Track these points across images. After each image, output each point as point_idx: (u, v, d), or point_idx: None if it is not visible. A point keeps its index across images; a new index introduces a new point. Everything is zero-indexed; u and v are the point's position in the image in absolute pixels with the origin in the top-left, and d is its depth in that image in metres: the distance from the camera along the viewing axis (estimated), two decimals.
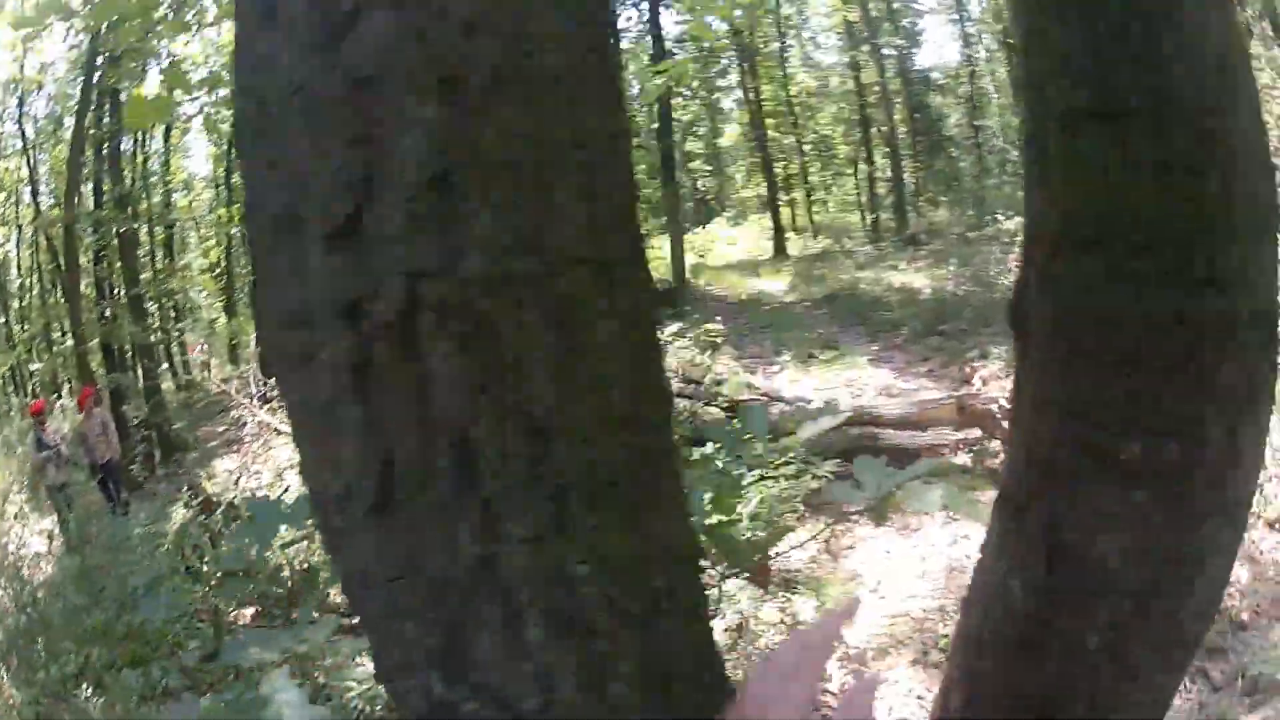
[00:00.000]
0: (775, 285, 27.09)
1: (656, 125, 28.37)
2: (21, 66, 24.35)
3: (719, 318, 19.16)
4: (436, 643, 1.36)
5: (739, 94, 39.07)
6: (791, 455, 9.45)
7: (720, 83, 41.44)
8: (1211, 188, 1.64)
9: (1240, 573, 7.11)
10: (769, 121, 38.29)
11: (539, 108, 1.32)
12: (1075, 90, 1.77)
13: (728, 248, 38.64)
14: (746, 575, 4.26)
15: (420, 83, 1.27)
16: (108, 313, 25.17)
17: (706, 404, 12.33)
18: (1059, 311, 1.82)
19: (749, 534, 6.99)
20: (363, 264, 1.29)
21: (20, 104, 27.88)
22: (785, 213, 39.58)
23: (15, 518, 15.77)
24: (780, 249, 33.69)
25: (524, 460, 1.32)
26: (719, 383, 14.34)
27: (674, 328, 18.06)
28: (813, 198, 42.72)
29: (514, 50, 1.32)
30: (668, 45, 26.48)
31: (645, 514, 1.40)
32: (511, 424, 1.31)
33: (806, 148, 42.34)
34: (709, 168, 52.08)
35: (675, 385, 13.18)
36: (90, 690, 6.26)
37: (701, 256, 33.20)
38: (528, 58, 1.32)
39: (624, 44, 27.88)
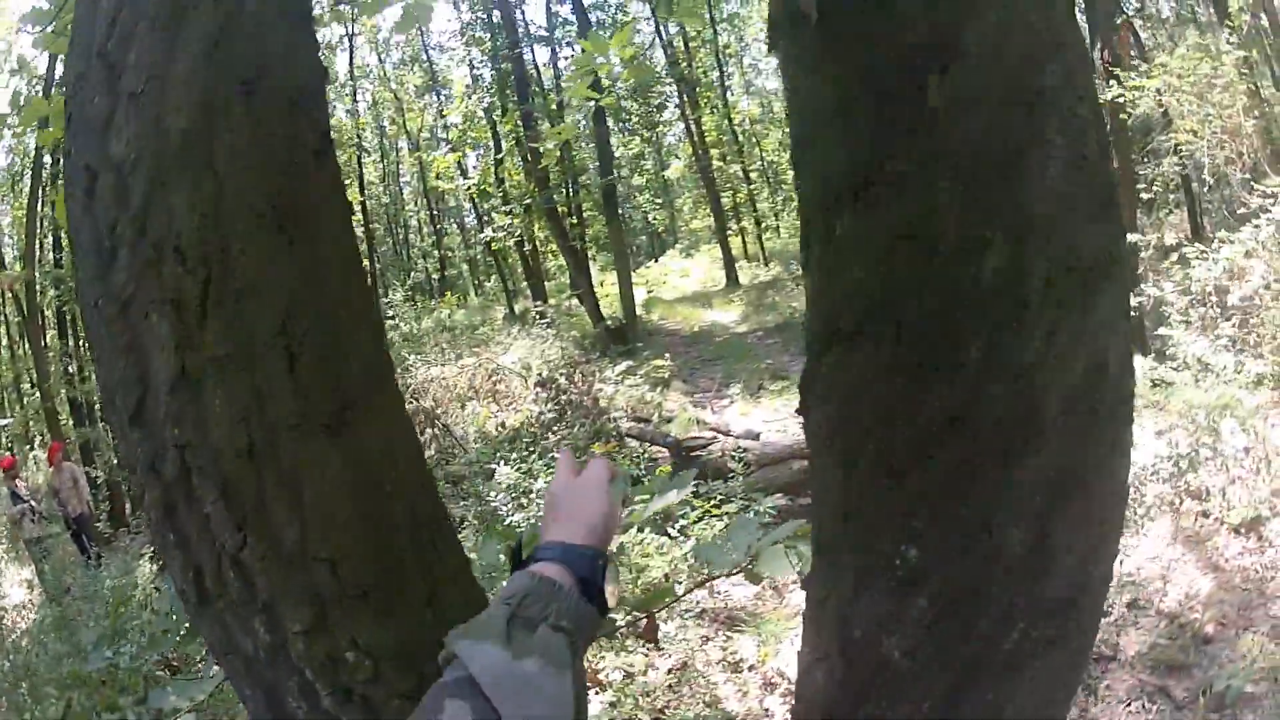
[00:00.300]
0: (727, 316, 27.24)
1: (597, 164, 28.47)
2: None
3: (667, 354, 19.21)
4: (264, 701, 1.91)
5: (682, 126, 39.07)
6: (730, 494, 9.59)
7: (665, 115, 41.44)
8: (994, 263, 1.61)
9: (1202, 583, 7.08)
10: (713, 151, 38.39)
11: (247, 315, 1.78)
12: (832, 160, 1.77)
13: (680, 280, 38.70)
14: (636, 633, 4.28)
15: (155, 301, 1.77)
16: (71, 368, 25.00)
17: (653, 443, 12.29)
18: (833, 410, 1.85)
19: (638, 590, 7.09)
20: (151, 436, 1.82)
21: None
22: (736, 242, 39.78)
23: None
24: (732, 278, 33.65)
25: (282, 577, 1.82)
26: (668, 420, 14.37)
27: (623, 366, 18.05)
28: (763, 225, 42.77)
29: (220, 273, 1.77)
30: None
31: (401, 614, 1.90)
32: (267, 551, 1.80)
33: (753, 175, 42.47)
34: (658, 201, 52.21)
35: (624, 424, 13.22)
36: None
37: (652, 290, 33.23)
38: (229, 279, 1.77)
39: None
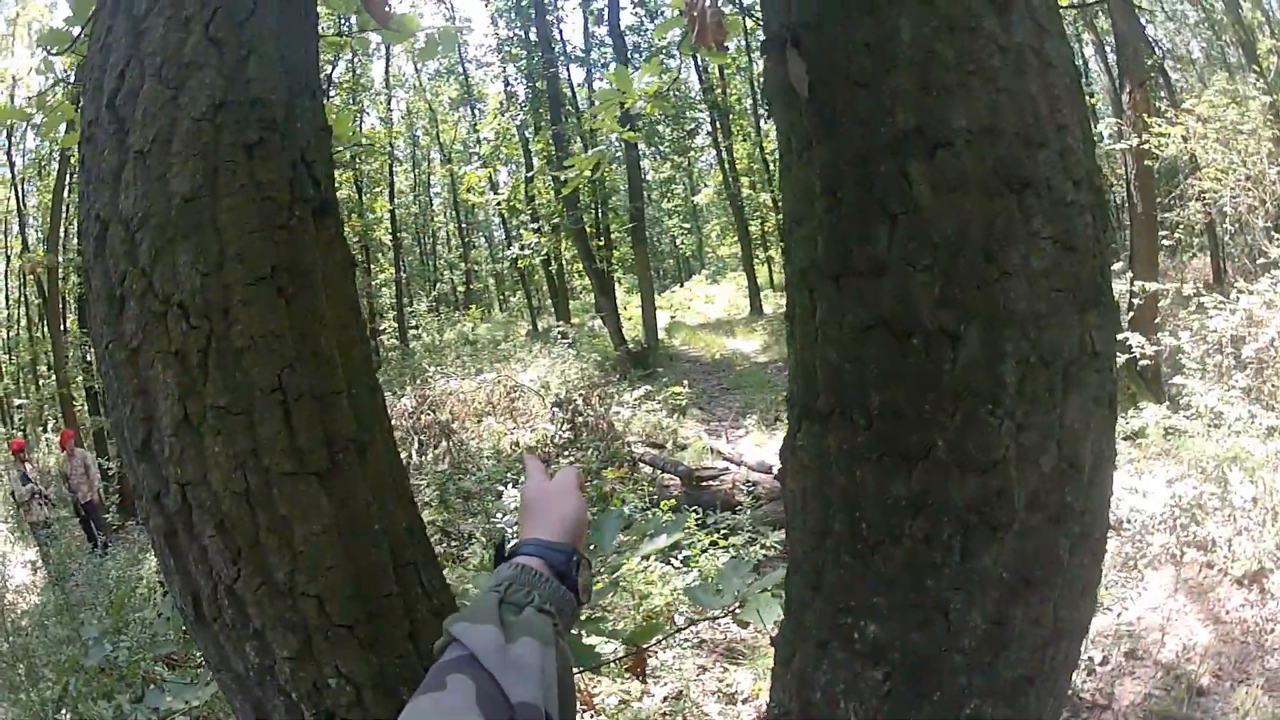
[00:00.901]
0: (749, 345, 27.16)
1: (626, 187, 28.47)
2: (11, 98, 24.14)
3: (686, 381, 19.17)
4: (252, 715, 2.03)
5: (714, 152, 38.99)
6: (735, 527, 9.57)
7: (697, 141, 41.37)
8: (966, 356, 1.65)
9: (1202, 634, 7.02)
10: (744, 179, 38.29)
11: (245, 370, 1.90)
12: (816, 241, 1.81)
13: (705, 305, 38.61)
14: (626, 667, 4.30)
15: (160, 352, 1.90)
16: (89, 356, 25.05)
17: (664, 470, 12.30)
18: (807, 484, 1.90)
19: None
20: (156, 471, 1.94)
21: (9, 136, 27.75)
22: (762, 270, 39.66)
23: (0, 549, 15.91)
24: (756, 307, 33.54)
25: (273, 608, 1.93)
26: (682, 447, 14.34)
27: (641, 390, 18.00)
28: None
29: (222, 330, 1.90)
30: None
31: (383, 648, 2.00)
32: (260, 584, 1.93)
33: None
34: (686, 226, 52.18)
35: (638, 450, 13.19)
36: (68, 716, 6.50)
37: (675, 315, 33.13)
38: (229, 335, 1.90)
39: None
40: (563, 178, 6.52)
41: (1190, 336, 11.67)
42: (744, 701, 6.87)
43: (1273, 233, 13.60)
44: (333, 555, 1.94)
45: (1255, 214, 15.09)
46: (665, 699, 6.88)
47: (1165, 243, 15.57)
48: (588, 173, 6.18)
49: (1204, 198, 15.56)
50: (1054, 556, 1.74)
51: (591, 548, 3.06)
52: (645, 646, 3.31)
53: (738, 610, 2.97)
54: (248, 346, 1.91)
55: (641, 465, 13.10)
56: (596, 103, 5.52)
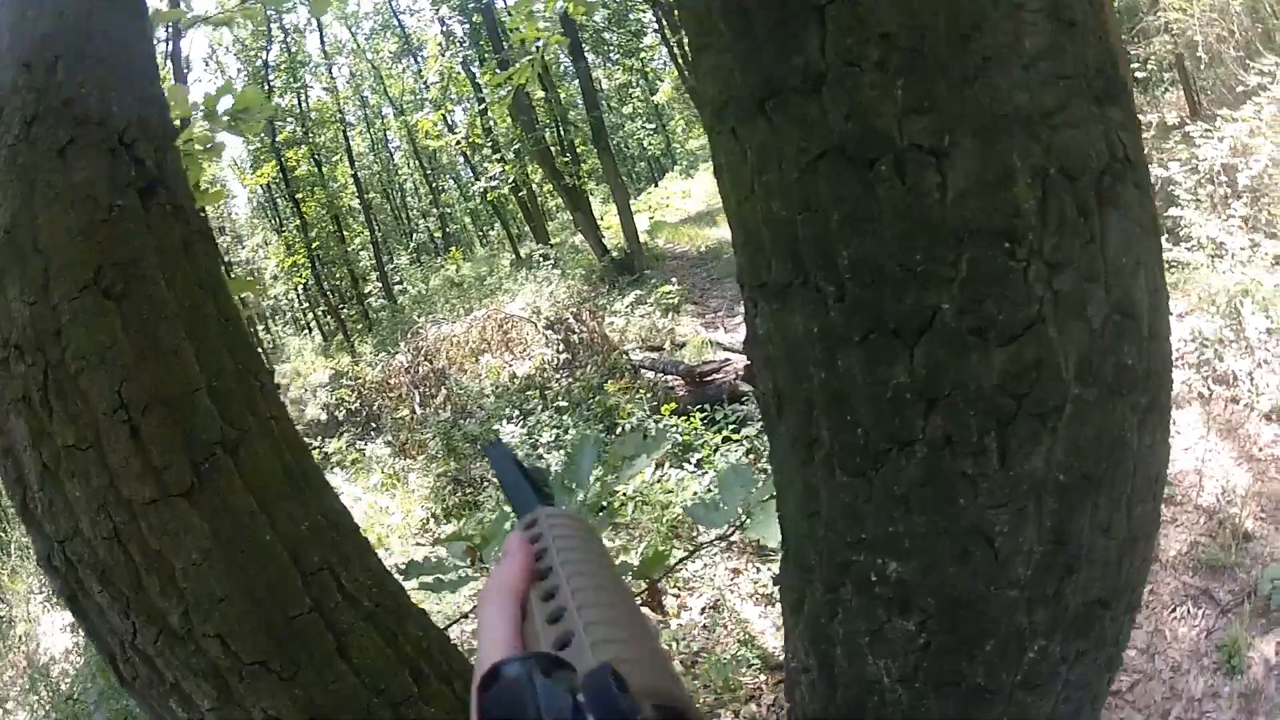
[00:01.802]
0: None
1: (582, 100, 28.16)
2: None
3: (674, 279, 18.89)
4: None
5: (665, 50, 38.51)
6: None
7: (646, 40, 40.88)
8: (960, 177, 1.22)
9: (1239, 476, 6.77)
10: None
11: (84, 396, 1.68)
12: (724, 70, 1.39)
13: (683, 201, 38.27)
14: (641, 602, 4.02)
15: (13, 400, 1.74)
16: None
17: (665, 373, 11.99)
18: (780, 380, 1.48)
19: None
20: (40, 533, 1.80)
21: None
22: None
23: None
24: None
25: (179, 658, 1.70)
26: (681, 345, 14.12)
27: (631, 296, 17.89)
28: None
29: (57, 359, 1.69)
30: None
31: (308, 676, 1.73)
32: (158, 635, 1.69)
33: None
34: (650, 126, 51.80)
35: (636, 357, 12.97)
36: None
37: (655, 216, 32.92)
38: (65, 363, 1.69)
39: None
40: (499, 94, 6.34)
41: (1180, 167, 11.25)
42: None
43: (1246, 61, 13.19)
44: (221, 584, 1.69)
45: (1225, 45, 14.65)
46: (703, 610, 6.64)
47: (1138, 75, 15.14)
48: (525, 79, 5.96)
49: (1170, 29, 15.10)
50: (1119, 440, 1.33)
51: (573, 486, 2.75)
52: (657, 579, 2.94)
53: (746, 524, 2.59)
54: (82, 368, 1.68)
55: (643, 372, 12.76)
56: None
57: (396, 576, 2.07)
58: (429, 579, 2.61)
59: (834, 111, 1.24)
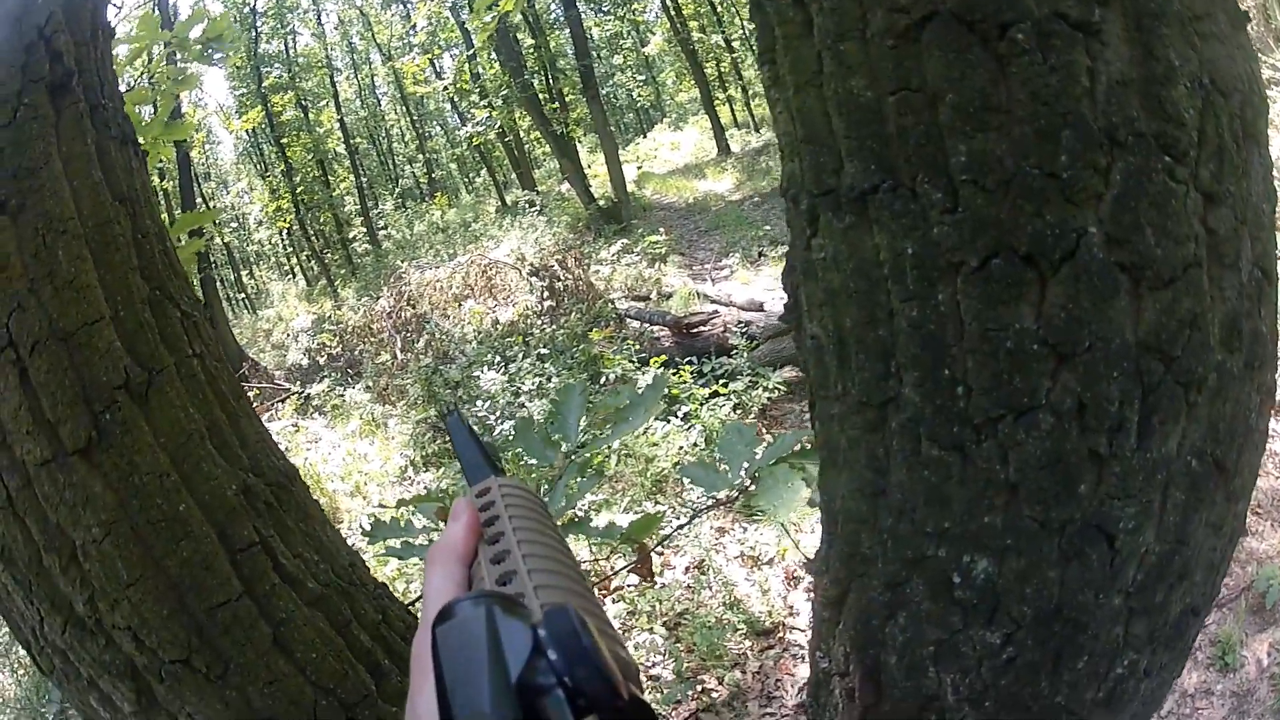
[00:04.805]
0: (721, 185, 26.69)
1: (572, 49, 27.92)
2: None
3: (662, 229, 18.68)
4: None
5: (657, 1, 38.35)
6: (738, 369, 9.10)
7: None
8: (1116, 62, 0.94)
9: None
10: (692, 24, 37.49)
11: None
12: None
13: (671, 153, 38.22)
14: (630, 569, 3.80)
15: None
16: None
17: (652, 323, 11.73)
18: (842, 322, 1.18)
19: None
20: None
21: None
22: (724, 111, 39.22)
23: None
24: (723, 147, 33.08)
25: (90, 652, 1.43)
26: (668, 296, 13.94)
27: (618, 245, 17.68)
28: (750, 92, 41.96)
29: None
30: None
31: (239, 675, 1.43)
32: (64, 622, 1.42)
33: (735, 44, 41.68)
34: (640, 77, 51.57)
35: (622, 306, 12.83)
36: None
37: (642, 166, 32.77)
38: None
39: None
40: (484, 20, 6.06)
41: None
42: (768, 564, 6.37)
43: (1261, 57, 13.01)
44: (129, 565, 1.37)
45: None
46: (687, 570, 6.42)
47: None
48: (512, 7, 5.72)
49: None
50: (1245, 424, 1.09)
51: (556, 438, 2.48)
52: (652, 546, 2.66)
53: (750, 490, 2.30)
54: None
55: (629, 321, 12.51)
56: None
57: (357, 541, 1.78)
58: (395, 543, 2.31)
59: None
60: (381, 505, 7.84)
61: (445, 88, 35.52)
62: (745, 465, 2.31)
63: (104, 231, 1.48)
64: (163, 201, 34.83)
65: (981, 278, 1.01)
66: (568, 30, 29.15)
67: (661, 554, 6.46)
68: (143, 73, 4.46)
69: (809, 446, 2.24)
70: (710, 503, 5.75)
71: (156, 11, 18.03)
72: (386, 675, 1.59)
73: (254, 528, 1.50)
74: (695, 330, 11.01)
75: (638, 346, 11.10)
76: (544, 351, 11.86)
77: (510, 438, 8.61)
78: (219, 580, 1.42)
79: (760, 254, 16.64)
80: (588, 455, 2.54)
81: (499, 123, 29.16)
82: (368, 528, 2.34)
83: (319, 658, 1.45)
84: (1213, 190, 0.99)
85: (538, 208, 23.40)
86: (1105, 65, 0.93)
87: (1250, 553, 5.69)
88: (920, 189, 1.02)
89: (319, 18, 40.29)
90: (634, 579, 6.02)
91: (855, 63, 1.03)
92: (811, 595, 5.58)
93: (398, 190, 45.69)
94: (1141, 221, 0.96)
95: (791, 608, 5.84)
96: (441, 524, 2.35)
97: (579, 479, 2.39)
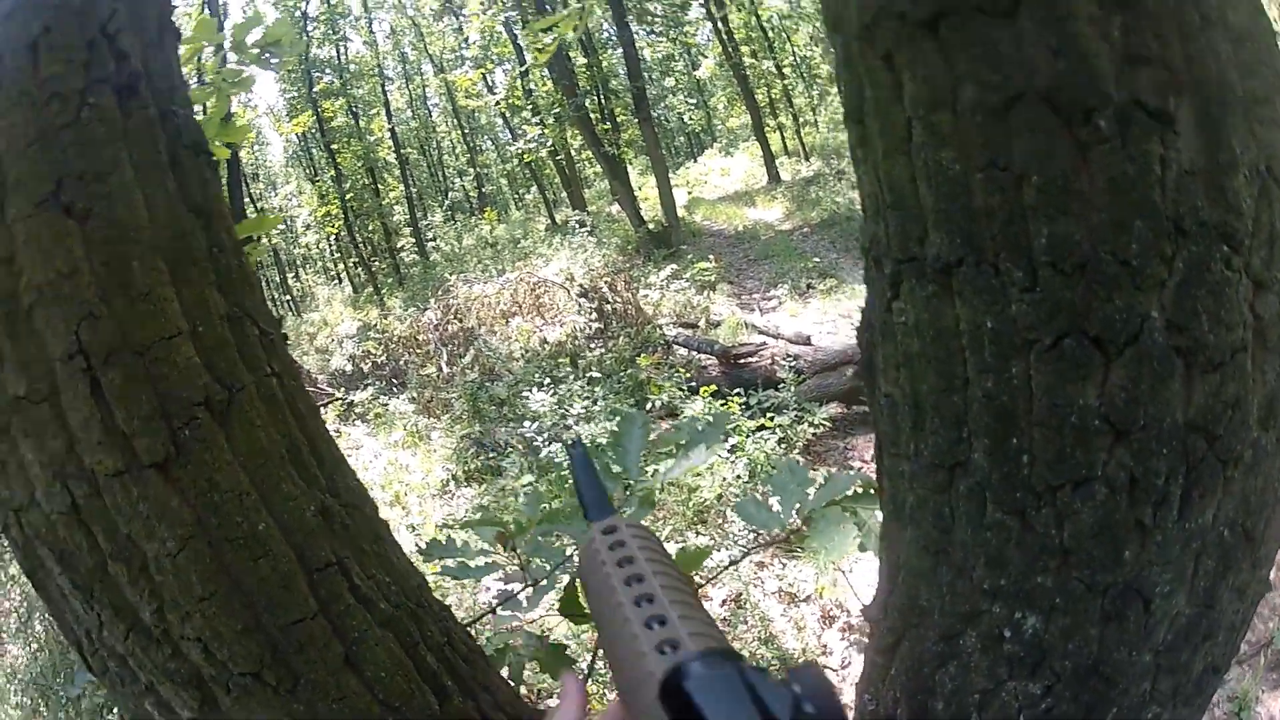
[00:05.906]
0: (771, 214, 26.62)
1: (624, 69, 27.98)
2: None
3: (711, 256, 18.66)
4: None
5: (709, 25, 38.32)
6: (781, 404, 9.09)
7: (690, 14, 40.64)
8: (1186, 149, 0.98)
9: None
10: (744, 49, 37.49)
11: (39, 334, 1.38)
12: None
13: (721, 179, 38.20)
14: None
15: None
16: None
17: (700, 351, 11.74)
18: (913, 384, 1.23)
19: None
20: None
21: None
22: (775, 138, 39.01)
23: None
24: (773, 175, 32.94)
25: (153, 659, 1.44)
26: (715, 324, 13.92)
27: (667, 270, 17.57)
28: (800, 120, 41.87)
29: (10, 287, 1.41)
30: None
31: (310, 689, 1.45)
32: (127, 629, 1.43)
33: (786, 70, 41.62)
34: (691, 101, 51.59)
35: (670, 332, 12.82)
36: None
37: (692, 191, 32.77)
38: (14, 300, 1.39)
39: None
40: (543, 41, 6.16)
41: None
42: (805, 600, 6.35)
43: None
44: (205, 580, 1.39)
45: None
46: (723, 603, 6.41)
47: None
48: (571, 29, 5.77)
49: None
50: (1274, 495, 1.15)
51: (617, 470, 2.47)
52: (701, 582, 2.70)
53: (802, 531, 2.33)
54: (35, 302, 1.35)
55: (676, 348, 12.52)
56: None
57: (414, 557, 1.82)
58: (451, 564, 2.34)
59: (1036, 41, 0.97)
60: (417, 541, 7.88)
61: (497, 102, 35.60)
62: (797, 505, 2.34)
63: (180, 244, 1.48)
64: None
65: (1053, 356, 1.06)
66: (620, 50, 29.36)
67: (701, 585, 6.48)
68: (191, 73, 4.45)
69: (860, 490, 2.26)
70: (761, 541, 5.76)
71: (207, 12, 18.20)
72: (450, 696, 1.61)
73: (331, 549, 1.51)
74: (743, 361, 11.00)
75: (687, 374, 11.11)
76: (594, 375, 11.86)
77: (562, 460, 8.56)
78: (296, 599, 1.44)
79: (809, 286, 16.59)
80: (648, 487, 2.56)
81: (551, 140, 29.27)
82: (415, 546, 2.37)
83: (388, 677, 1.48)
84: (1262, 277, 1.04)
85: (588, 228, 23.32)
86: (1177, 154, 0.97)
87: (1274, 609, 5.65)
88: (1003, 266, 1.06)
89: (370, 25, 40.69)
90: None
91: (946, 135, 1.07)
92: (844, 635, 5.63)
93: (447, 202, 45.88)
94: (1199, 308, 1.01)
95: (825, 646, 5.82)
96: (500, 548, 2.38)
97: (637, 509, 2.43)
